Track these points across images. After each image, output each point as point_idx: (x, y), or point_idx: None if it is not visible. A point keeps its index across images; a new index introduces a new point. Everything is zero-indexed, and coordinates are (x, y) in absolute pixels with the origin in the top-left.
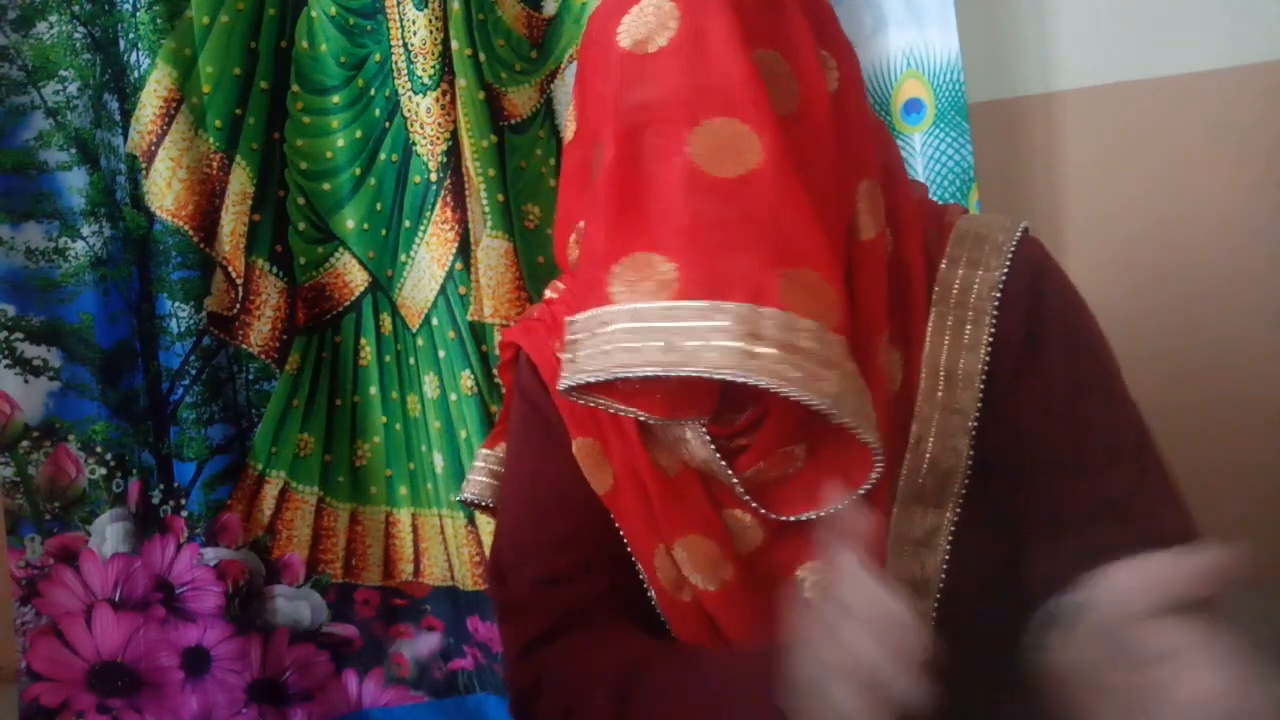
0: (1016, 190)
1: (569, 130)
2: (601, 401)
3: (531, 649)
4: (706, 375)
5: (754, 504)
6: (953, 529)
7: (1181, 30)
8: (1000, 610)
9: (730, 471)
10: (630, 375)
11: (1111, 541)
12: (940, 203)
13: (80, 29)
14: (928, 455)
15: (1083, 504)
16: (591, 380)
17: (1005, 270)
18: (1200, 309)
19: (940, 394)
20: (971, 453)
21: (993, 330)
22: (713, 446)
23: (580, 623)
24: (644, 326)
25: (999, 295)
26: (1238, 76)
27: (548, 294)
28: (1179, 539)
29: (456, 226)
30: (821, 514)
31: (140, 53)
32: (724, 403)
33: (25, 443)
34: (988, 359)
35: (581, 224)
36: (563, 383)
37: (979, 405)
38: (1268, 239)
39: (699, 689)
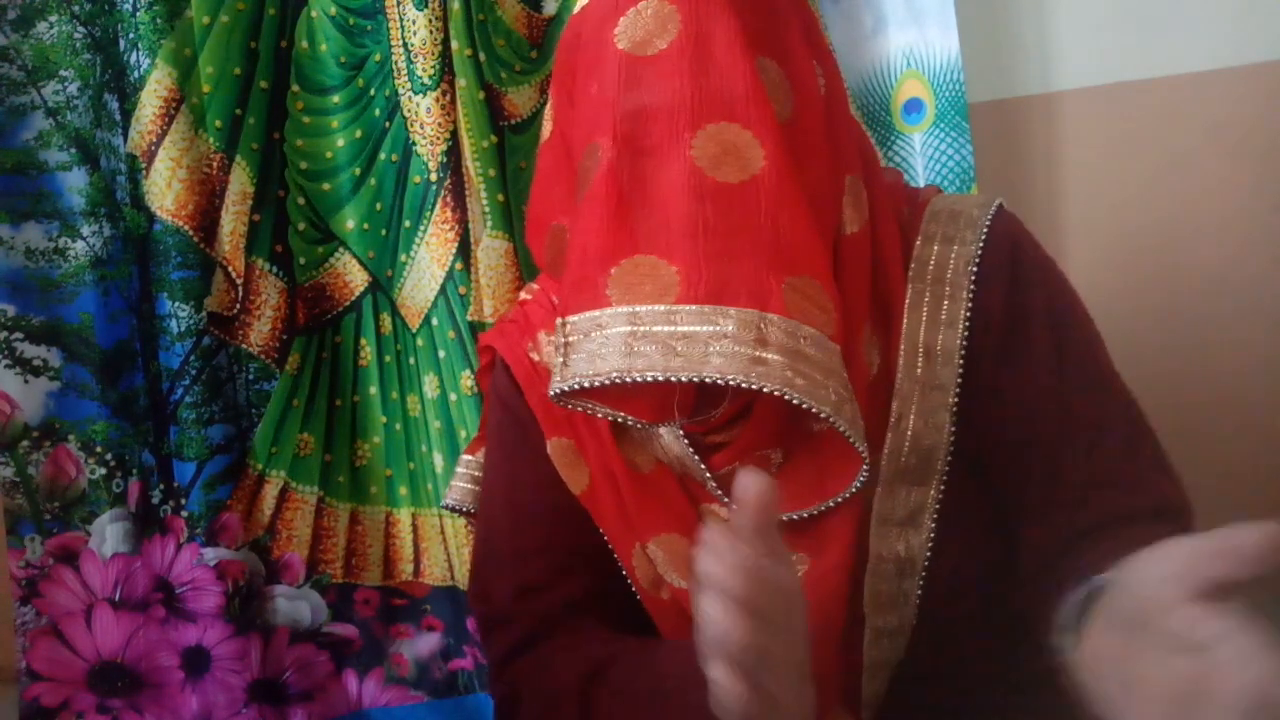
0: (1016, 190)
1: (545, 130)
2: (589, 406)
3: (509, 660)
4: (714, 380)
5: (728, 501)
6: (937, 507)
7: (1181, 30)
8: (989, 590)
9: (704, 468)
10: (630, 380)
11: (1105, 517)
12: (914, 185)
13: (80, 29)
14: (909, 433)
15: (1074, 481)
16: (588, 385)
17: (981, 244)
18: (1199, 309)
19: (920, 370)
20: (953, 429)
21: (970, 304)
22: (686, 442)
23: (557, 629)
24: (644, 330)
25: (976, 269)
26: (1238, 77)
27: (522, 295)
28: (1172, 510)
29: (456, 226)
30: (799, 515)
31: (140, 53)
32: (702, 399)
33: (25, 443)
34: (966, 334)
35: (556, 225)
36: (554, 387)
37: (959, 381)
38: (1267, 239)
39: (652, 685)
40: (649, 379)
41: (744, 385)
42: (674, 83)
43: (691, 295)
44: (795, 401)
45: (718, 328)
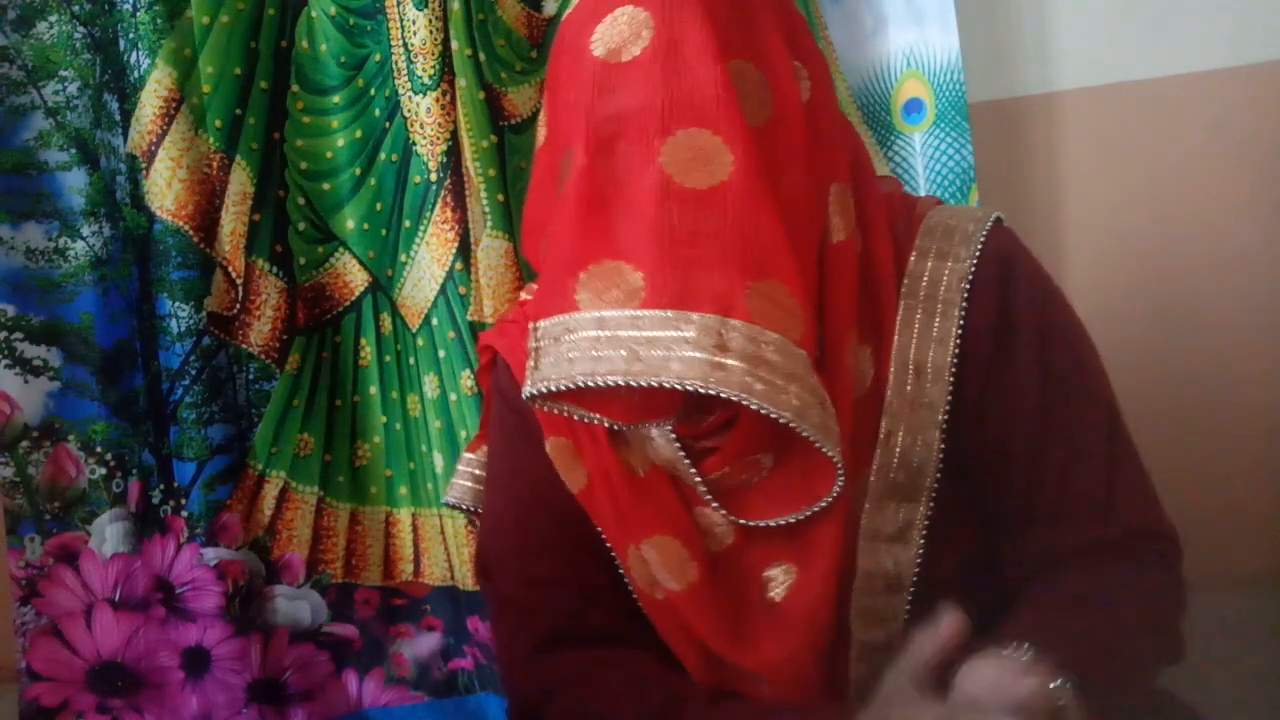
0: (1016, 190)
1: (539, 135)
2: (566, 408)
3: (536, 656)
4: (672, 385)
5: (716, 506)
6: (926, 523)
7: (1182, 30)
8: (977, 606)
9: (694, 472)
10: (594, 384)
11: (1077, 537)
12: (914, 195)
13: (80, 29)
14: (898, 450)
15: (1051, 499)
16: (554, 389)
17: (974, 261)
18: (1199, 308)
19: (910, 388)
20: (943, 446)
21: (962, 322)
22: (678, 446)
23: (585, 631)
24: (609, 335)
25: (968, 286)
26: (1238, 77)
27: (523, 295)
28: (1145, 532)
29: (456, 226)
30: (785, 520)
31: (140, 53)
32: (691, 405)
33: (25, 443)
34: (957, 351)
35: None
36: (526, 390)
37: (949, 398)
38: (1267, 239)
39: None
40: (610, 383)
41: (701, 390)
42: (645, 89)
43: (656, 301)
44: (753, 407)
45: (680, 333)
